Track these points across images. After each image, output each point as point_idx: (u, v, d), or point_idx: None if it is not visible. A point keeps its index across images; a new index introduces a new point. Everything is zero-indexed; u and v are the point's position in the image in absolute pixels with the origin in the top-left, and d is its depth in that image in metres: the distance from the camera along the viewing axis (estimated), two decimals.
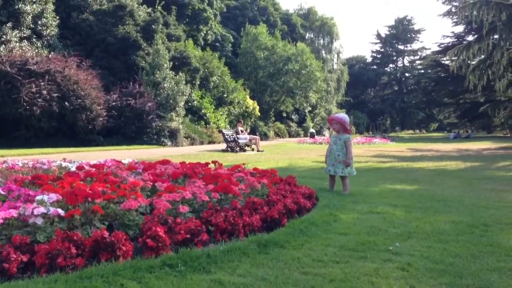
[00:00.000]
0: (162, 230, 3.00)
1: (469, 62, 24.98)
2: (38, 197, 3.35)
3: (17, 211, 3.04)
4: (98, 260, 2.71)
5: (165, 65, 24.45)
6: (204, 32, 37.14)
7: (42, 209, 3.01)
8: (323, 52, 58.65)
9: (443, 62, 50.63)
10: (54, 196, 3.40)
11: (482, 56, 24.66)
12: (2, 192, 4.05)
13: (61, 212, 3.10)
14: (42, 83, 17.26)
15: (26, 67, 17.19)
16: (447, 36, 53.05)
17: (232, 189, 4.21)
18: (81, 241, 2.75)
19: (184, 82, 25.26)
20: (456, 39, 49.09)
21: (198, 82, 29.88)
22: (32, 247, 2.66)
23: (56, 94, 17.65)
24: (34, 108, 16.73)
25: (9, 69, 16.59)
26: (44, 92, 17.14)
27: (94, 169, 5.78)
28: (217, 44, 39.06)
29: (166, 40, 28.09)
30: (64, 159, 7.58)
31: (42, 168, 6.57)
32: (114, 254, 2.75)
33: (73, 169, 6.13)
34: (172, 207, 3.60)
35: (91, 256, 2.75)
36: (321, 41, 59.16)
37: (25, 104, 16.44)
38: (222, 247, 3.06)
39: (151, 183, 4.61)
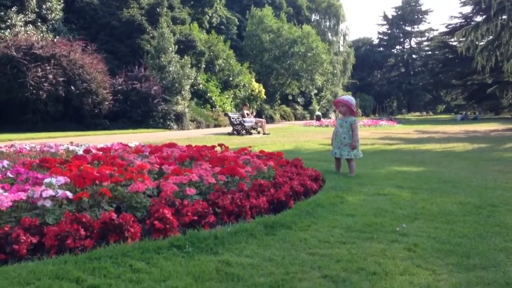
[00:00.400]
0: (169, 212, 3.01)
1: (477, 43, 24.73)
2: (47, 180, 3.37)
3: (25, 193, 3.07)
4: (107, 242, 2.74)
5: (170, 48, 24.33)
6: (209, 15, 36.83)
7: (50, 192, 3.03)
8: (329, 34, 58.10)
9: (450, 43, 50.16)
10: (62, 179, 3.42)
11: (490, 37, 24.39)
12: (11, 175, 4.08)
13: (69, 194, 3.12)
14: (48, 67, 17.25)
15: (32, 51, 17.16)
16: (455, 17, 52.49)
17: (238, 172, 4.21)
18: (90, 223, 2.77)
19: (189, 65, 25.16)
20: (464, 20, 48.51)
21: (204, 66, 29.76)
22: (41, 229, 2.69)
23: (62, 78, 17.64)
24: (40, 92, 16.74)
25: (14, 53, 16.57)
26: (50, 76, 17.14)
27: (101, 152, 5.80)
28: (222, 27, 38.76)
29: (171, 23, 27.90)
30: (71, 143, 7.61)
31: (49, 151, 6.61)
32: (123, 235, 2.77)
33: (80, 152, 6.16)
34: (179, 190, 3.62)
35: (99, 238, 2.78)
36: (327, 23, 58.57)
37: (31, 88, 16.46)
38: (229, 228, 3.08)
39: (158, 166, 4.62)
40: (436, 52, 57.71)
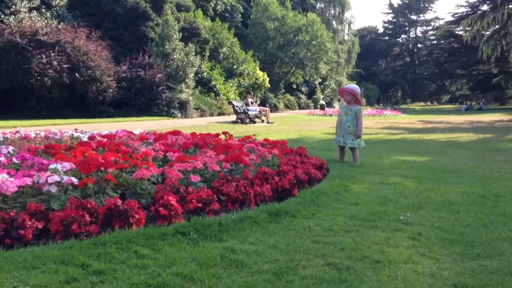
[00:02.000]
0: (174, 199, 3.02)
1: (483, 32, 24.55)
2: (52, 166, 3.38)
3: (31, 179, 3.08)
4: (112, 228, 2.75)
5: (175, 36, 24.25)
6: (214, 2, 36.64)
7: (56, 177, 3.04)
8: (334, 22, 57.72)
9: (456, 32, 49.77)
10: (67, 165, 3.43)
11: (497, 26, 24.19)
12: (16, 161, 4.10)
13: (74, 180, 3.13)
14: (53, 54, 17.22)
15: (36, 38, 17.13)
16: (461, 6, 51.97)
17: (243, 159, 4.21)
18: (95, 209, 2.78)
19: (193, 53, 25.09)
20: (470, 9, 48.09)
21: (208, 53, 29.68)
22: (47, 215, 2.70)
23: (66, 65, 17.62)
24: (45, 79, 16.74)
25: (19, 39, 16.54)
26: (55, 63, 17.12)
27: (105, 139, 5.81)
28: (226, 14, 38.58)
29: (176, 10, 27.78)
30: (76, 130, 7.63)
31: (54, 138, 6.63)
32: (127, 222, 2.78)
33: (85, 139, 6.17)
34: (184, 177, 3.62)
35: (104, 223, 2.79)
36: (332, 11, 58.14)
37: (35, 75, 16.45)
38: (233, 216, 3.09)
39: (163, 153, 4.63)
40: (442, 42, 57.33)
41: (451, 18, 52.27)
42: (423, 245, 2.69)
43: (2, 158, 4.11)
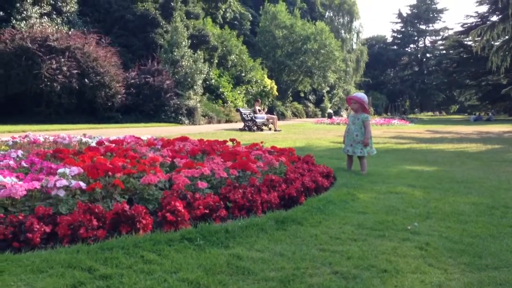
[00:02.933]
0: (181, 205, 3.03)
1: (492, 42, 24.46)
2: (60, 170, 3.40)
3: (40, 183, 3.10)
4: (119, 233, 2.76)
5: (184, 43, 24.38)
6: (223, 10, 36.81)
7: (64, 182, 3.06)
8: (343, 31, 57.80)
9: (465, 42, 49.55)
10: (75, 169, 3.45)
11: (506, 37, 24.09)
12: (25, 165, 4.13)
13: (82, 185, 3.15)
14: (62, 60, 17.36)
15: (47, 43, 17.28)
16: (471, 16, 51.88)
17: (250, 166, 4.21)
18: (102, 213, 2.79)
19: (202, 60, 25.19)
20: (479, 19, 47.92)
21: (216, 61, 29.77)
22: (55, 218, 2.72)
23: (76, 71, 17.74)
24: (55, 84, 16.86)
25: (30, 45, 16.69)
26: (64, 68, 17.25)
27: (114, 144, 5.84)
28: (235, 22, 38.72)
29: (185, 17, 27.95)
30: (84, 135, 7.66)
31: (63, 143, 6.67)
32: (134, 227, 2.79)
33: (93, 144, 6.20)
34: (191, 183, 3.63)
35: (112, 228, 2.80)
36: (341, 20, 58.25)
37: (45, 80, 16.57)
38: (240, 223, 3.09)
39: (170, 159, 4.64)
40: (451, 52, 57.05)
41: (461, 28, 52.08)
42: (431, 255, 2.67)
43: (12, 162, 4.14)
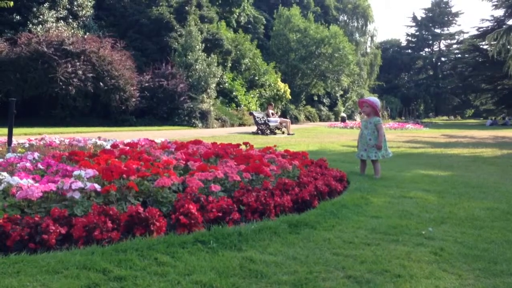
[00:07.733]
0: (194, 208, 3.05)
1: (508, 47, 24.18)
2: (76, 172, 3.44)
3: (55, 185, 3.14)
4: (133, 235, 2.78)
5: (197, 46, 24.51)
6: (237, 14, 36.95)
7: (79, 184, 3.09)
8: (357, 35, 57.62)
9: (481, 46, 49.02)
10: (91, 172, 3.49)
11: None
12: (41, 167, 4.18)
13: (97, 187, 3.18)
14: (78, 63, 17.57)
15: (62, 47, 17.50)
16: (486, 20, 51.10)
17: (263, 170, 4.22)
18: (117, 215, 2.82)
19: (216, 64, 25.29)
20: (495, 23, 47.33)
21: (230, 64, 29.87)
22: (70, 220, 2.75)
23: (91, 74, 17.94)
24: (70, 87, 17.06)
25: (46, 49, 16.92)
26: (80, 72, 17.45)
27: (128, 147, 5.88)
28: (249, 26, 38.84)
29: (199, 21, 28.10)
30: (99, 138, 7.74)
31: (78, 145, 6.74)
32: (148, 229, 2.81)
33: (108, 147, 6.26)
34: (204, 186, 3.65)
35: (126, 230, 2.82)
36: (355, 24, 58.08)
37: (61, 83, 16.78)
38: (253, 226, 3.09)
39: (184, 162, 4.67)
40: (466, 55, 56.55)
41: (476, 32, 51.47)
42: (445, 261, 2.65)
43: (28, 164, 4.20)
